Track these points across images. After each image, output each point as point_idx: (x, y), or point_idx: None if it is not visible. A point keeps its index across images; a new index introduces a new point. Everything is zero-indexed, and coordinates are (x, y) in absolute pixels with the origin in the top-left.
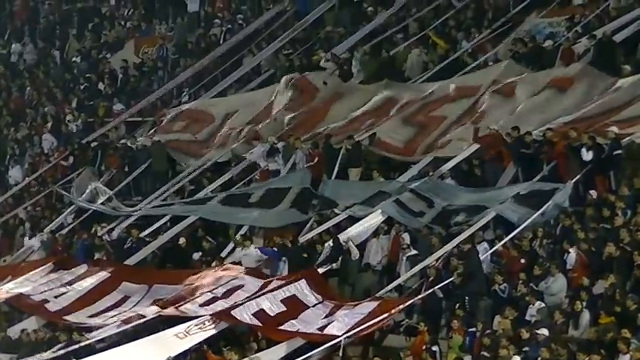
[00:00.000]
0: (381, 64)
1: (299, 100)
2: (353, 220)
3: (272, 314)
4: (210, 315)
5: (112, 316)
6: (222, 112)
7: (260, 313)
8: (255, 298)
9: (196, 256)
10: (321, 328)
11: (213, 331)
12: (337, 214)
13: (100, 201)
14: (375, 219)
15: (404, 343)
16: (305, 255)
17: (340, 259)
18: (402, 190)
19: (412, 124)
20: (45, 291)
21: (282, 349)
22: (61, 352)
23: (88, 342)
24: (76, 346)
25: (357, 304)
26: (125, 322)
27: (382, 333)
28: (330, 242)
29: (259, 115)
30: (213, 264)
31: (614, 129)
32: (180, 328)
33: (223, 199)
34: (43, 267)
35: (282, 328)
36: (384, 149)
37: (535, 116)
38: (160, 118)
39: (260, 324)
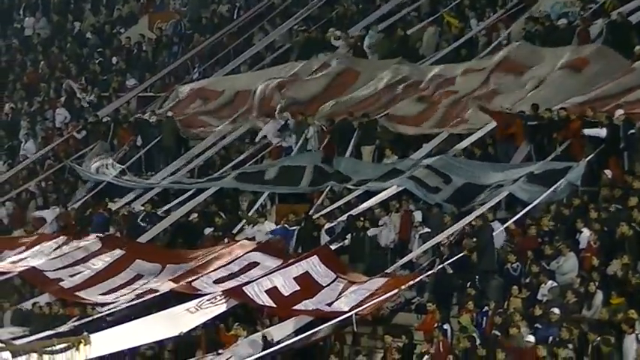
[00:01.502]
0: (395, 42)
1: (310, 77)
2: (366, 197)
3: (285, 294)
4: (222, 291)
5: (124, 294)
6: (234, 88)
7: (273, 291)
8: (267, 274)
9: (208, 231)
10: (330, 304)
11: (225, 307)
12: (350, 191)
13: (113, 174)
14: (390, 191)
15: (415, 321)
16: (315, 234)
17: (352, 236)
18: (416, 168)
19: (423, 101)
20: (59, 268)
21: (291, 325)
22: (76, 323)
23: (100, 315)
24: (89, 319)
25: (367, 281)
26: (138, 296)
27: (393, 311)
28: (344, 217)
29: (270, 93)
30: (226, 240)
31: (621, 112)
32: (192, 303)
33: (237, 176)
34: (57, 239)
35: (295, 308)
36: (395, 121)
37: (549, 96)
38: (170, 92)
39: (273, 304)
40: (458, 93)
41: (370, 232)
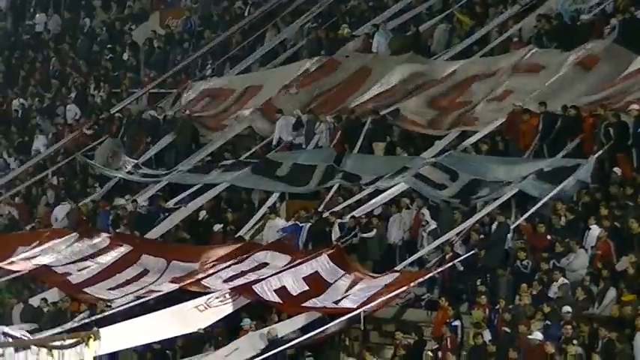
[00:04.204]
0: (406, 39)
1: (320, 74)
2: (378, 194)
3: (294, 293)
4: (230, 289)
5: (131, 291)
6: (244, 85)
7: (282, 291)
8: (277, 273)
9: (217, 227)
10: (337, 302)
11: (233, 307)
12: (362, 190)
13: (126, 169)
14: (397, 189)
15: (424, 318)
16: (327, 229)
17: (359, 235)
18: (423, 165)
19: (436, 108)
20: (68, 263)
21: (297, 321)
22: (86, 320)
23: (111, 312)
24: (99, 316)
25: (376, 277)
26: (145, 293)
27: (403, 307)
28: (346, 218)
29: (283, 90)
30: (235, 238)
31: (635, 107)
32: (200, 300)
33: (254, 166)
34: (68, 236)
35: (303, 306)
36: (408, 125)
37: (558, 94)
38: (182, 89)
39: (281, 302)
40: (471, 102)
41: (369, 235)
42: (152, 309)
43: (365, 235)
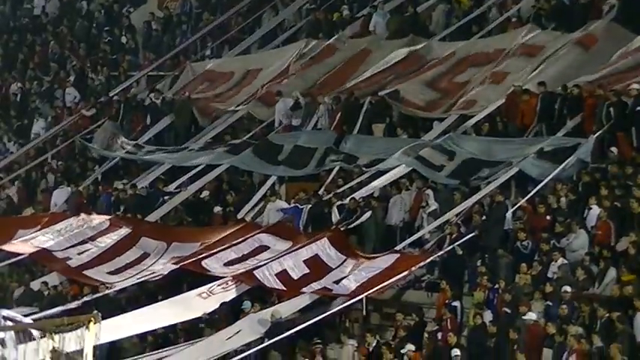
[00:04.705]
0: (405, 20)
1: (319, 57)
2: (379, 175)
3: (295, 277)
4: (232, 276)
5: (132, 275)
6: (243, 68)
7: (283, 275)
8: (277, 257)
9: (217, 209)
10: (337, 282)
11: (236, 292)
12: (362, 172)
13: (124, 150)
14: (397, 171)
15: (425, 299)
16: (326, 211)
17: (360, 215)
18: (422, 147)
19: (436, 90)
20: (68, 247)
21: (299, 303)
22: (86, 299)
23: (110, 291)
24: (100, 294)
25: (376, 257)
26: (146, 276)
27: (403, 288)
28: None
29: (282, 73)
30: (237, 218)
31: (636, 86)
32: (203, 288)
33: (255, 148)
34: (68, 220)
35: (304, 290)
36: (407, 106)
37: (556, 73)
38: (180, 71)
39: (283, 287)
40: (469, 82)
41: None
42: (153, 293)
43: (359, 220)
